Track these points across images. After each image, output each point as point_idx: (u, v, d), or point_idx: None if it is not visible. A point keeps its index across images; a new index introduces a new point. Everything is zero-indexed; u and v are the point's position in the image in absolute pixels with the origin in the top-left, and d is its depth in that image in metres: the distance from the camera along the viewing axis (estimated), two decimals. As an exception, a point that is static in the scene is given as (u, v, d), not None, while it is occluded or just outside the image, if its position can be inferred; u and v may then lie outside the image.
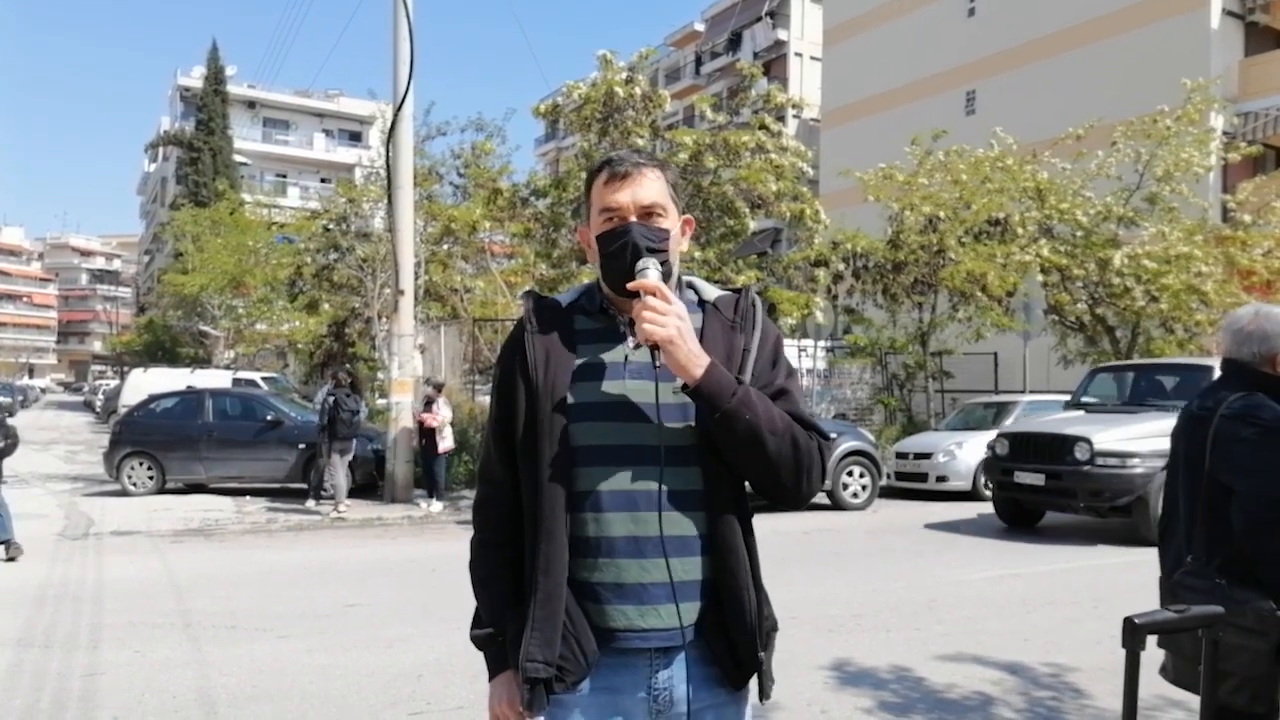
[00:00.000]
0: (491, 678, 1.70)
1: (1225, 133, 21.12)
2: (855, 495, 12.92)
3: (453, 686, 4.78)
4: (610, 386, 1.62)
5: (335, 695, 4.72)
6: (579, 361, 1.65)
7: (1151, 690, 4.18)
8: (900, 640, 5.80)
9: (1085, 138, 18.25)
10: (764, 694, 1.66)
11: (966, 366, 19.33)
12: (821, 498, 12.88)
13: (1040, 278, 17.37)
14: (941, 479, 14.05)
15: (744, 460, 1.59)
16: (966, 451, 14.00)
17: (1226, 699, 2.42)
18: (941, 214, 17.61)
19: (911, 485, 14.39)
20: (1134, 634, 1.57)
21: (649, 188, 1.66)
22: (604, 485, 1.58)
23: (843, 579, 7.82)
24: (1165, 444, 10.44)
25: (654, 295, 1.56)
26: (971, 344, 18.06)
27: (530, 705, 1.58)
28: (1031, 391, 16.54)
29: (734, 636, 1.61)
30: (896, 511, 12.90)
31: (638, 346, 1.62)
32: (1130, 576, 7.70)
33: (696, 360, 1.55)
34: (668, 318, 1.54)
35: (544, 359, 1.64)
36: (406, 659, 5.32)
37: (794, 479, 1.61)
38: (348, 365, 19.43)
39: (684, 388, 1.57)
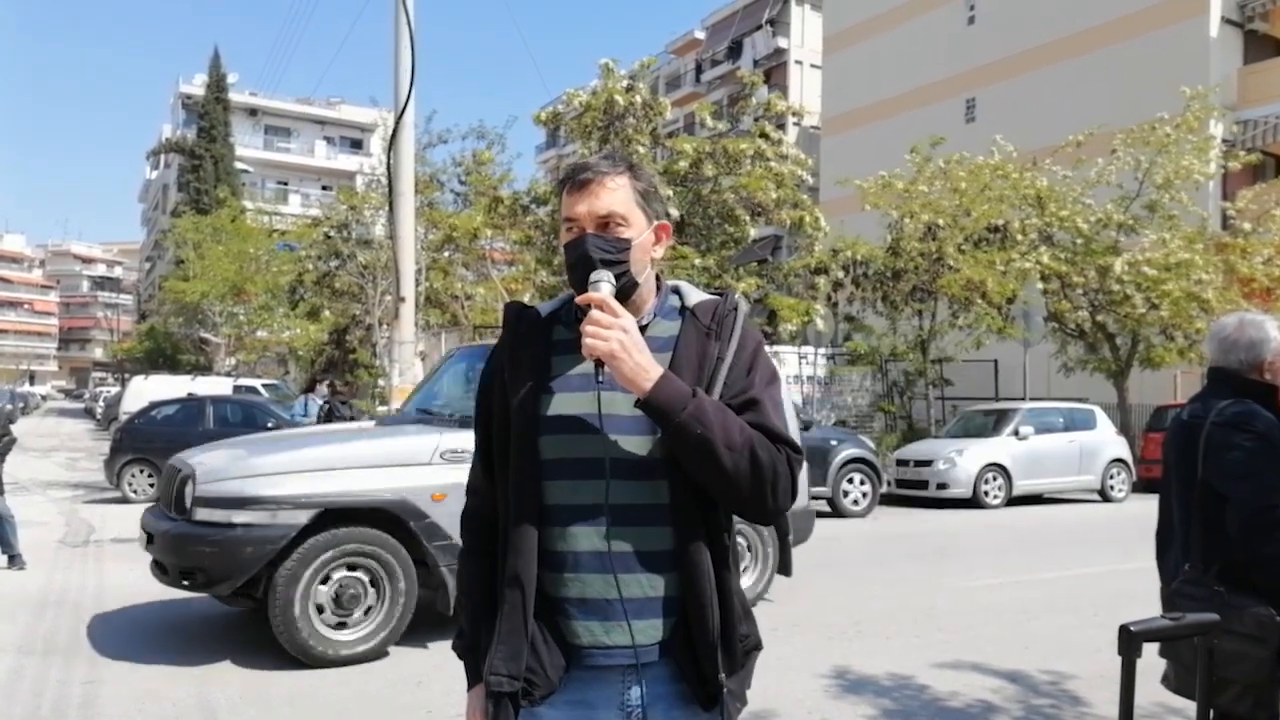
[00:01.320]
0: (469, 688, 1.70)
1: (1225, 140, 21.17)
2: (855, 503, 12.92)
3: (453, 694, 4.77)
4: (579, 399, 1.60)
5: (335, 701, 4.72)
6: (552, 374, 1.64)
7: (1151, 698, 4.17)
8: (900, 647, 5.80)
9: (1085, 145, 18.29)
10: (725, 717, 1.61)
11: (967, 374, 19.34)
12: (821, 505, 12.87)
13: (1040, 285, 17.39)
14: (942, 486, 14.04)
15: (701, 474, 1.55)
16: (967, 459, 14.01)
17: (1229, 707, 2.42)
18: (941, 221, 17.64)
19: (912, 493, 14.39)
20: (1130, 642, 1.58)
21: (608, 197, 1.62)
22: (568, 500, 1.57)
23: (843, 586, 7.82)
24: (332, 484, 5.33)
25: (600, 309, 1.53)
26: (972, 351, 18.07)
27: (495, 718, 1.57)
28: (1032, 399, 16.56)
29: (699, 654, 1.57)
30: (897, 519, 12.90)
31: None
32: (1131, 584, 7.69)
33: (644, 374, 1.52)
34: (610, 331, 1.51)
35: (519, 371, 1.64)
36: (407, 665, 5.32)
37: (755, 494, 1.56)
38: (347, 375, 19.44)
39: (636, 401, 1.54)
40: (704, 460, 1.53)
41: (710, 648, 1.57)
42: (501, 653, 1.55)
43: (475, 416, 1.73)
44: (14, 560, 8.25)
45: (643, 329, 1.63)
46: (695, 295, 1.71)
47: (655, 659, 1.58)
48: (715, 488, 1.57)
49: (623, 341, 1.52)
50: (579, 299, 1.58)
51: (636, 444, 1.57)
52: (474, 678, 1.68)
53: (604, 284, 1.57)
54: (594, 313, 1.53)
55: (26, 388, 61.44)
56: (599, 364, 1.53)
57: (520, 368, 1.64)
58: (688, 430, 1.51)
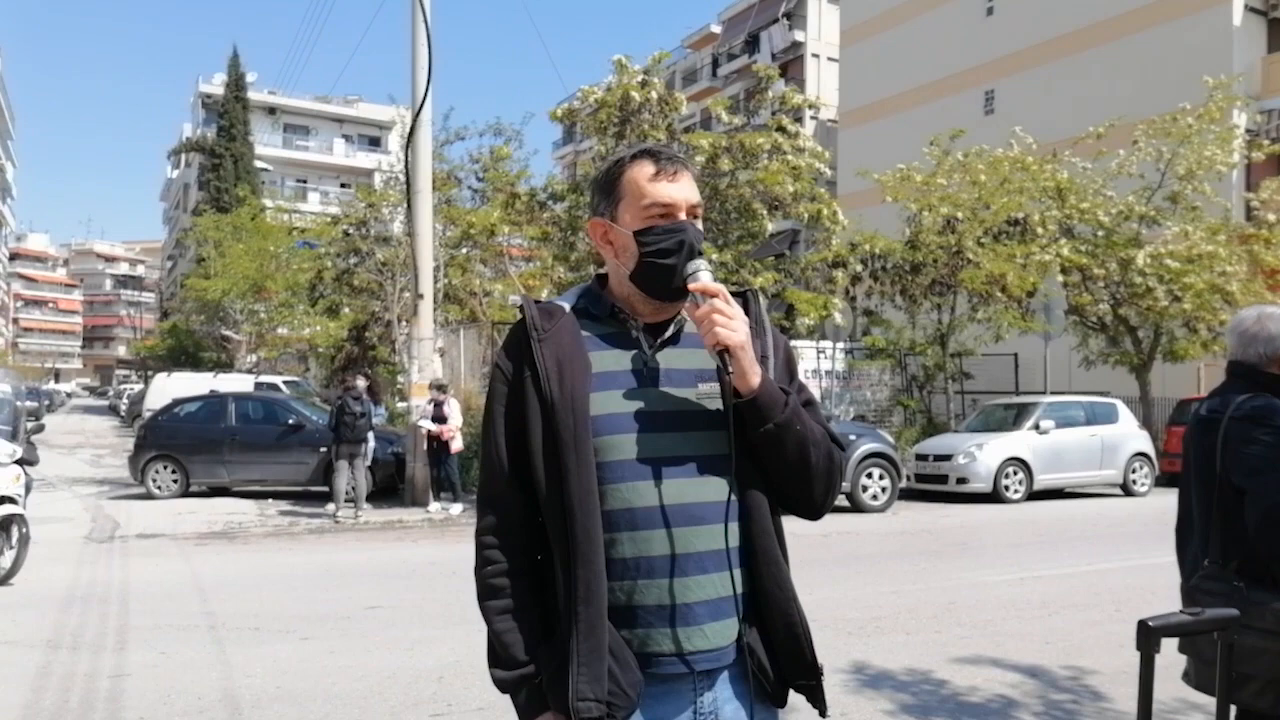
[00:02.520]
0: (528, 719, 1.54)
1: (1248, 130, 20.90)
2: (875, 497, 12.89)
3: (474, 688, 4.81)
4: (635, 396, 1.53)
5: (357, 696, 4.76)
6: (596, 371, 1.53)
7: (1172, 694, 4.15)
8: (920, 643, 5.79)
9: (1106, 136, 18.11)
10: (825, 708, 1.62)
11: (986, 368, 19.23)
12: (841, 500, 12.85)
13: (1061, 278, 17.26)
14: (962, 481, 13.98)
15: (785, 472, 1.54)
16: (987, 453, 13.94)
17: (1250, 702, 2.41)
18: (960, 214, 17.55)
19: (931, 487, 14.33)
20: (1148, 637, 1.57)
21: (693, 187, 1.60)
22: (641, 502, 1.49)
23: (862, 581, 7.80)
24: None
25: (716, 298, 1.50)
26: (991, 345, 17.96)
27: None
28: (1053, 392, 16.44)
29: (779, 650, 1.55)
30: (916, 513, 12.86)
31: (656, 351, 1.57)
32: (1153, 579, 7.64)
33: (756, 368, 1.50)
34: (737, 321, 1.49)
35: (556, 369, 1.51)
36: (428, 660, 5.36)
37: (824, 491, 1.59)
38: (366, 370, 19.55)
39: (735, 395, 1.50)
40: (797, 457, 1.52)
41: (798, 640, 1.55)
42: (585, 676, 1.44)
43: (498, 419, 1.59)
44: None
45: (681, 327, 1.61)
46: None
47: (730, 661, 1.53)
48: (793, 484, 1.56)
49: (747, 334, 1.50)
50: (694, 286, 1.52)
51: (710, 439, 1.52)
52: (536, 707, 1.52)
53: (703, 273, 1.53)
54: (715, 302, 1.50)
55: (52, 385, 62.17)
56: (724, 354, 1.48)
57: (559, 366, 1.52)
58: (789, 427, 1.50)
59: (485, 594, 1.58)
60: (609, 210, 1.61)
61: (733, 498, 1.52)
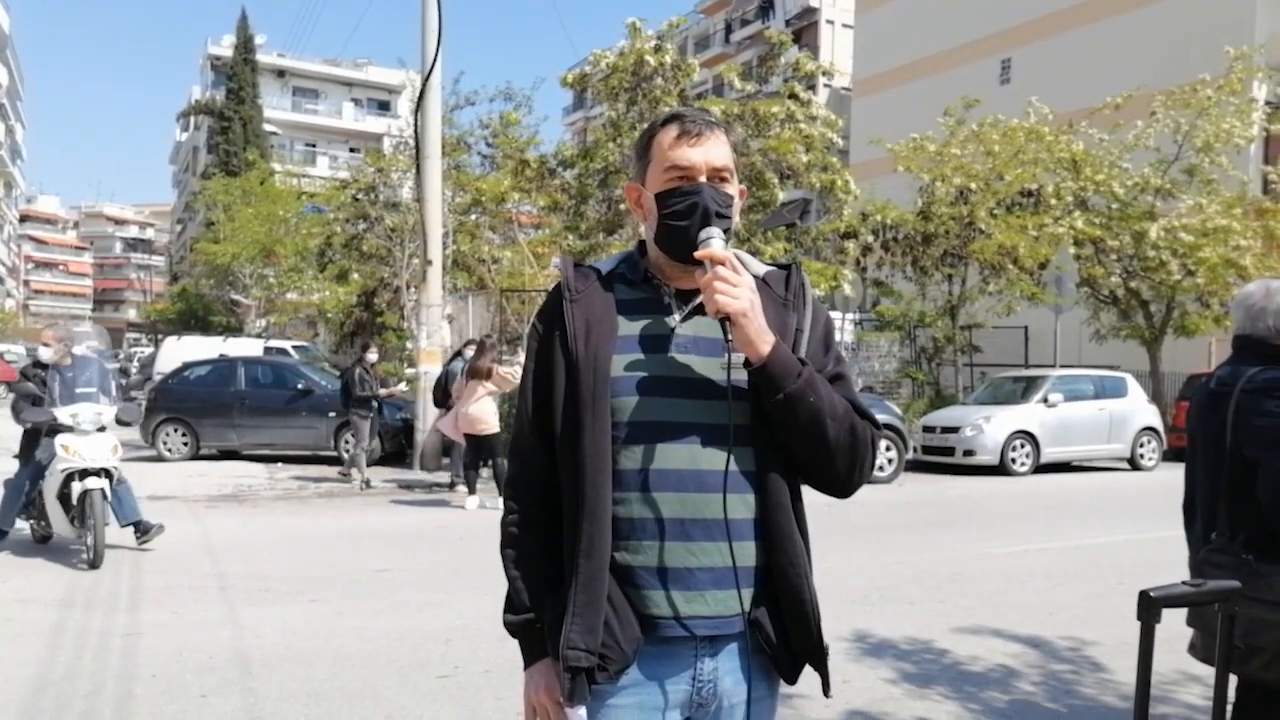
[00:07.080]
0: (527, 666, 1.59)
1: (1268, 103, 20.58)
2: (881, 468, 12.90)
3: (480, 650, 4.87)
4: (658, 361, 1.53)
5: (365, 657, 4.82)
6: (621, 334, 1.54)
7: (1172, 665, 4.17)
8: (923, 613, 5.83)
9: (1123, 108, 17.89)
10: (827, 687, 1.61)
11: (996, 340, 19.16)
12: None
13: (1073, 250, 17.14)
14: (969, 453, 13.99)
15: (801, 445, 1.51)
16: (994, 426, 13.93)
17: (1258, 674, 2.43)
18: (973, 185, 17.39)
19: (938, 459, 14.36)
20: (1149, 608, 1.58)
21: (720, 150, 1.56)
22: (653, 464, 1.49)
23: (866, 551, 7.84)
24: None
25: (723, 265, 1.47)
26: (1002, 317, 17.88)
27: (571, 695, 1.48)
28: (1063, 366, 16.39)
29: (789, 627, 1.54)
30: (922, 485, 12.89)
31: (685, 319, 1.55)
32: (1158, 553, 7.65)
33: (765, 336, 1.46)
34: (740, 289, 1.45)
35: (584, 330, 1.53)
36: (435, 623, 5.42)
37: (848, 468, 1.54)
38: (367, 341, 19.60)
39: (746, 364, 1.47)
40: (810, 429, 1.49)
41: (810, 621, 1.55)
42: (578, 626, 1.46)
43: (528, 376, 1.63)
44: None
45: None
46: (758, 265, 1.65)
47: (734, 631, 1.52)
48: (810, 458, 1.54)
49: (753, 301, 1.47)
50: (699, 254, 1.50)
51: (724, 409, 1.50)
52: (535, 653, 1.58)
53: (715, 240, 1.51)
54: (720, 269, 1.47)
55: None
56: (725, 321, 1.46)
57: (588, 327, 1.54)
58: (801, 398, 1.47)
59: (503, 542, 1.64)
60: (641, 174, 1.62)
61: (732, 468, 1.49)
